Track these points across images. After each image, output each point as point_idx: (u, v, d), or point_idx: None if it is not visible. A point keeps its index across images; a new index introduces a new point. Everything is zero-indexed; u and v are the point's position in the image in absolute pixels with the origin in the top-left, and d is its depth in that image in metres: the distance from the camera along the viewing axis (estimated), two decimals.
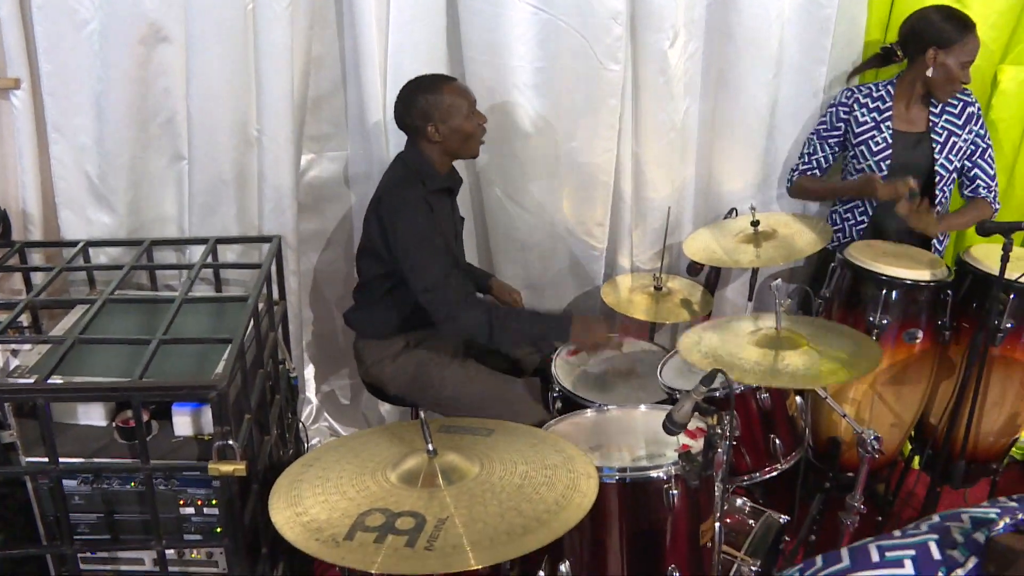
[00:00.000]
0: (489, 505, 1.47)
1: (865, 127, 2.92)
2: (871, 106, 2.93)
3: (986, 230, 2.54)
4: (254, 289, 2.38)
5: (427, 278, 2.46)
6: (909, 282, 2.61)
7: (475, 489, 1.53)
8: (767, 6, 2.87)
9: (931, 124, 2.90)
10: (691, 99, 3.03)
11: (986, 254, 2.75)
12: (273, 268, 2.67)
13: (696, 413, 1.83)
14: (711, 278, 3.06)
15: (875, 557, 1.01)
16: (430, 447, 1.64)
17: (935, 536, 1.00)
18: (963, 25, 2.77)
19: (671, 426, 1.83)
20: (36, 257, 2.75)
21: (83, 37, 2.56)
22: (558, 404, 2.61)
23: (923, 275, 2.62)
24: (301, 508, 1.53)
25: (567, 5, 2.75)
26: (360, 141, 2.96)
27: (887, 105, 2.91)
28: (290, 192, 2.86)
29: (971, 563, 0.95)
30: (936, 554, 0.98)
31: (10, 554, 2.18)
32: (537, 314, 2.66)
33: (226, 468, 1.96)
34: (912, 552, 0.99)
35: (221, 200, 2.84)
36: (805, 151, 3.08)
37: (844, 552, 1.00)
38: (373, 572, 1.34)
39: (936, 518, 1.02)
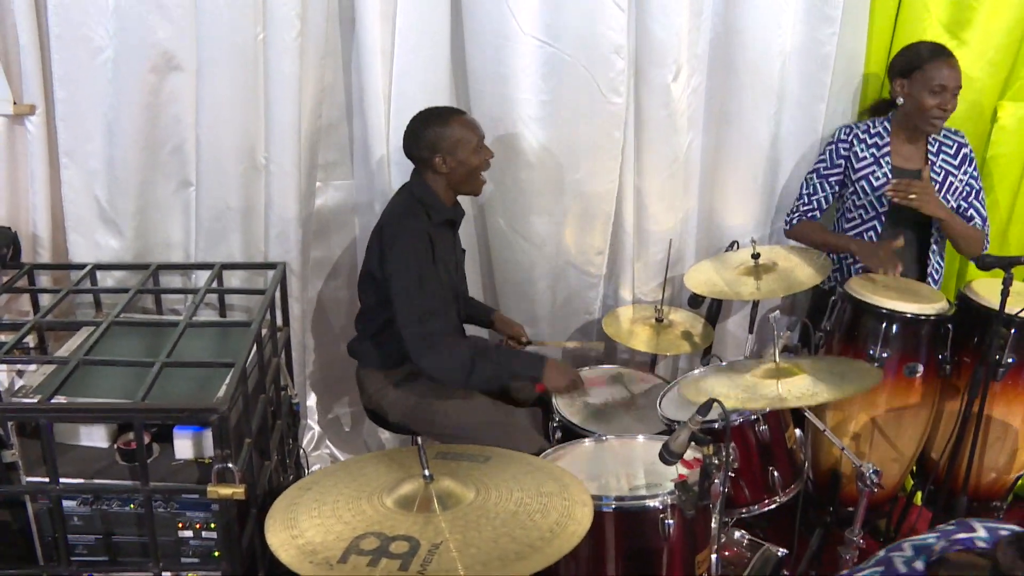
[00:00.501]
0: (483, 531, 1.47)
1: (865, 163, 2.94)
2: (869, 142, 2.96)
3: (986, 264, 2.55)
4: (258, 314, 2.41)
5: (411, 311, 2.47)
6: (909, 316, 2.61)
7: (470, 515, 1.54)
8: (769, 42, 2.92)
9: (930, 163, 2.92)
10: (694, 133, 3.07)
11: (987, 289, 2.75)
12: (277, 295, 2.70)
13: (692, 443, 1.84)
14: (712, 310, 3.07)
15: None
16: (426, 472, 1.65)
17: (880, 569, 1.01)
18: (928, 52, 2.82)
19: (667, 456, 1.84)
20: (44, 279, 2.78)
21: (97, 65, 2.61)
22: (558, 434, 2.61)
23: (924, 309, 2.63)
24: (297, 531, 1.54)
25: (571, 38, 2.80)
26: (364, 170, 3.01)
27: (885, 141, 2.94)
28: (296, 220, 2.89)
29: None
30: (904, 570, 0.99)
31: (7, 574, 2.18)
32: (512, 356, 2.65)
33: (225, 491, 1.97)
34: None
35: (227, 226, 2.88)
36: (804, 192, 3.07)
37: None
38: None
39: (882, 553, 1.03)
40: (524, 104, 2.88)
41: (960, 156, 2.94)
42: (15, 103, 2.62)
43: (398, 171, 2.91)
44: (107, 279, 2.82)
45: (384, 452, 2.04)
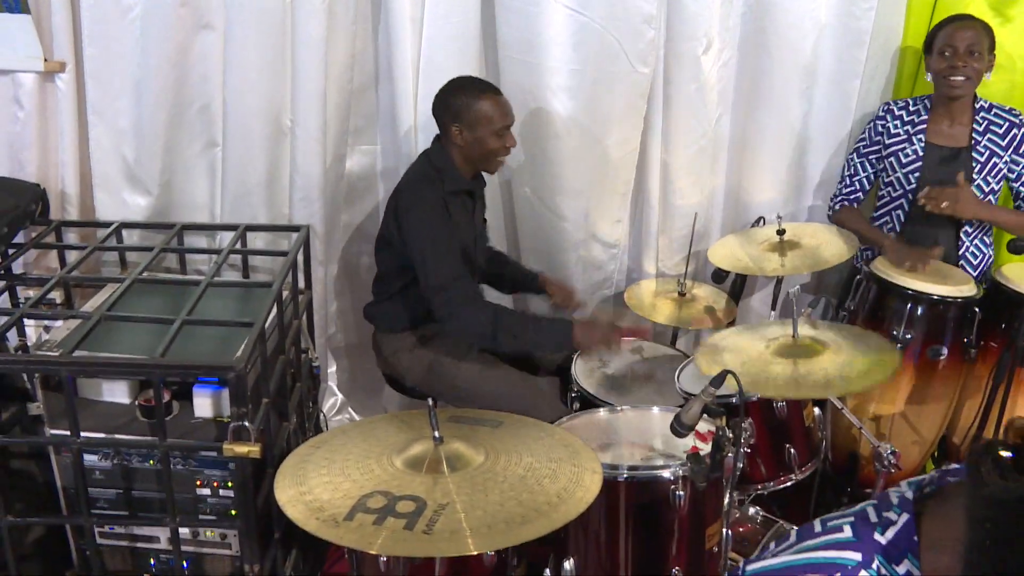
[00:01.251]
0: (490, 493, 1.48)
1: (897, 139, 2.89)
2: (905, 119, 2.90)
3: (1018, 248, 2.51)
4: (279, 276, 2.42)
5: (434, 276, 2.47)
6: (936, 297, 2.58)
7: (477, 477, 1.54)
8: (802, 16, 2.87)
9: (973, 142, 2.84)
10: (723, 108, 3.04)
11: (1019, 274, 2.70)
12: (300, 257, 2.70)
13: (705, 416, 1.83)
14: (736, 286, 3.05)
15: (817, 528, 1.04)
16: (436, 434, 1.65)
17: (873, 502, 1.02)
18: (945, 21, 2.79)
19: (679, 428, 1.83)
20: (71, 236, 2.81)
21: (127, 23, 2.61)
22: (576, 404, 2.61)
23: (950, 291, 2.59)
24: (305, 487, 1.55)
25: (602, 7, 2.76)
26: (390, 136, 3.00)
27: (922, 118, 2.88)
28: (320, 184, 2.90)
29: (903, 519, 0.97)
30: (873, 517, 1.00)
31: (30, 521, 2.23)
32: (540, 320, 2.60)
33: (240, 449, 1.98)
34: (851, 519, 1.02)
35: (252, 188, 2.88)
36: (846, 173, 3.03)
37: (792, 531, 1.02)
38: (373, 552, 1.36)
39: (880, 493, 1.03)
40: (554, 73, 2.84)
41: (1009, 136, 2.83)
42: (45, 60, 2.64)
43: (424, 138, 2.89)
44: (132, 237, 2.84)
45: (396, 414, 2.05)
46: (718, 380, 1.79)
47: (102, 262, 2.84)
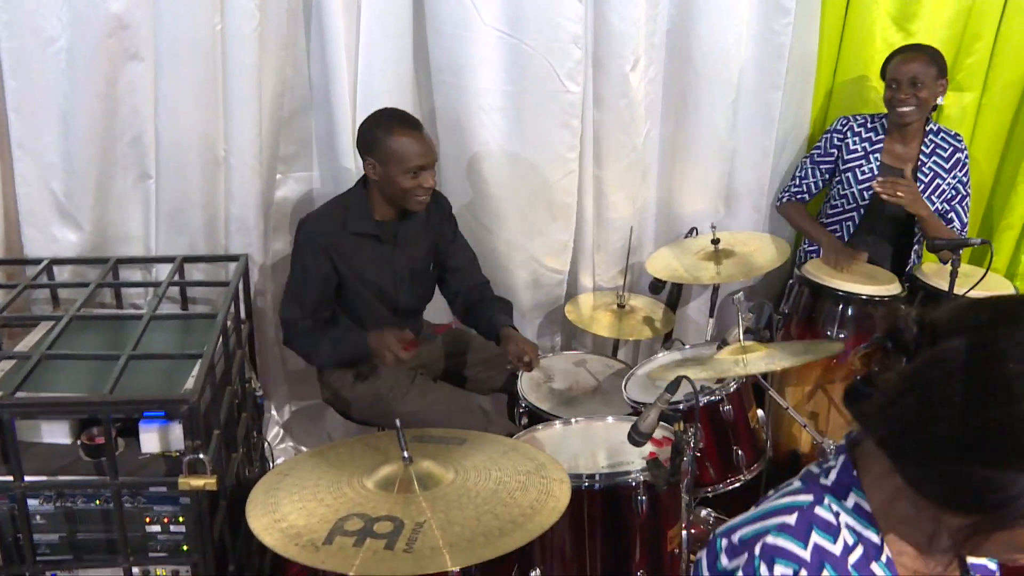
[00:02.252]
0: (465, 509, 1.49)
1: (855, 155, 3.03)
2: (864, 136, 3.04)
3: (936, 247, 2.65)
4: (223, 305, 2.39)
5: (283, 310, 2.65)
6: (864, 297, 2.70)
7: (451, 495, 1.56)
8: (724, 32, 2.98)
9: (919, 163, 3.00)
10: (652, 122, 3.12)
11: (936, 271, 2.85)
12: (240, 286, 2.68)
13: (661, 422, 1.88)
14: (673, 296, 3.13)
15: (771, 493, 1.14)
16: (405, 454, 1.66)
17: (815, 463, 1.14)
18: (894, 53, 2.95)
19: (636, 437, 1.87)
20: None
21: (50, 54, 2.54)
22: (524, 420, 2.64)
23: (877, 291, 2.71)
24: (279, 515, 1.54)
25: (531, 29, 2.81)
26: (328, 162, 2.99)
27: (879, 137, 3.03)
28: (257, 212, 2.87)
29: (840, 461, 1.08)
30: (815, 469, 1.11)
31: None
32: (348, 334, 2.65)
33: (197, 483, 1.95)
34: (799, 476, 1.13)
35: (188, 219, 2.83)
36: (797, 174, 3.18)
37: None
38: (352, 574, 1.36)
39: None
40: (486, 94, 2.89)
41: (953, 160, 3.01)
42: None
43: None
44: (64, 274, 2.76)
45: (359, 437, 2.05)
46: (673, 386, 1.84)
47: (32, 301, 2.75)
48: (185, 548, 2.15)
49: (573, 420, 2.39)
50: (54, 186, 2.69)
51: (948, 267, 2.58)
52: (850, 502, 1.05)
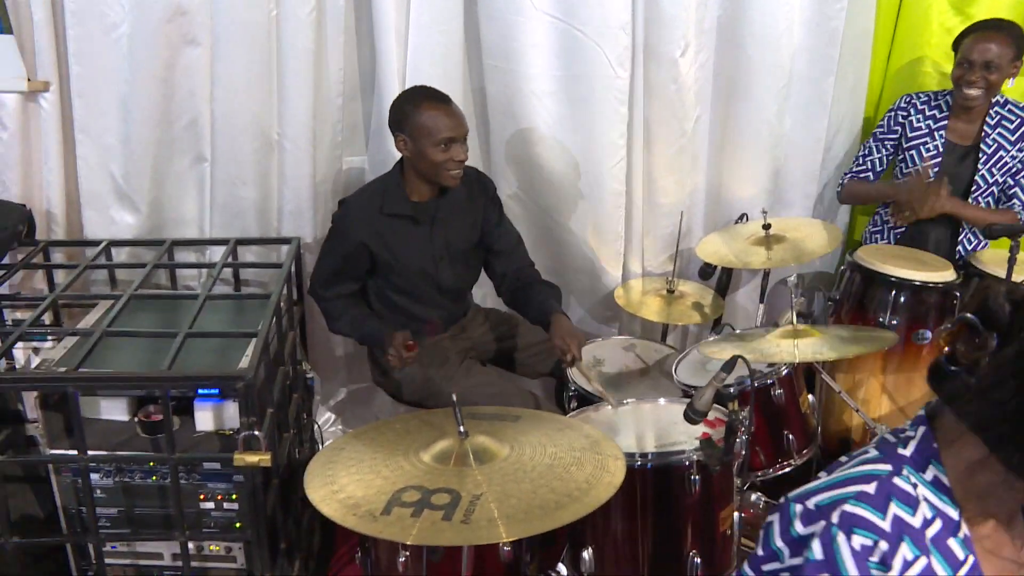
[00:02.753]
0: (521, 483, 1.50)
1: (919, 132, 2.98)
2: (927, 113, 2.99)
3: (994, 233, 2.60)
4: (276, 286, 2.42)
5: (310, 286, 2.70)
6: (917, 283, 2.66)
7: (506, 469, 1.57)
8: (776, 17, 2.94)
9: (983, 135, 2.94)
10: (702, 107, 3.11)
11: (992, 257, 2.80)
12: (293, 269, 2.71)
13: (714, 403, 1.88)
14: (722, 281, 3.11)
15: (843, 460, 1.13)
16: (461, 429, 1.67)
17: (886, 432, 1.13)
18: (971, 27, 2.87)
19: (692, 415, 1.87)
20: (59, 256, 2.79)
21: (112, 40, 2.61)
22: (573, 403, 2.64)
23: (931, 277, 2.67)
24: (337, 486, 1.56)
25: (582, 14, 2.81)
26: (378, 147, 3.01)
27: (943, 114, 2.97)
28: (309, 195, 2.91)
29: (919, 431, 1.07)
30: (891, 439, 1.10)
31: (35, 542, 2.20)
32: (371, 319, 2.67)
33: (251, 459, 1.98)
34: (873, 445, 1.12)
35: (241, 202, 2.89)
36: (860, 153, 3.14)
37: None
38: (408, 543, 1.38)
39: None
40: (536, 79, 2.89)
41: (1019, 133, 2.93)
42: (28, 79, 2.62)
43: None
44: (121, 255, 2.83)
45: (413, 414, 2.06)
46: (729, 365, 1.84)
47: (91, 281, 2.82)
48: (238, 525, 2.19)
49: (625, 401, 2.39)
50: (113, 169, 2.76)
51: (1006, 253, 2.53)
52: (929, 475, 1.04)
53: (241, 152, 2.81)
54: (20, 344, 2.29)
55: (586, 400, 2.58)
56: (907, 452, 1.07)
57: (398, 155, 2.87)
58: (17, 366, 2.31)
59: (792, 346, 2.13)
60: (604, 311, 3.30)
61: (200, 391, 2.17)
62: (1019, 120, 2.93)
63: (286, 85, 2.76)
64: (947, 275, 2.70)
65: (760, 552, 1.11)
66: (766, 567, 1.09)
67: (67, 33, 2.59)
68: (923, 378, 2.65)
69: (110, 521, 2.20)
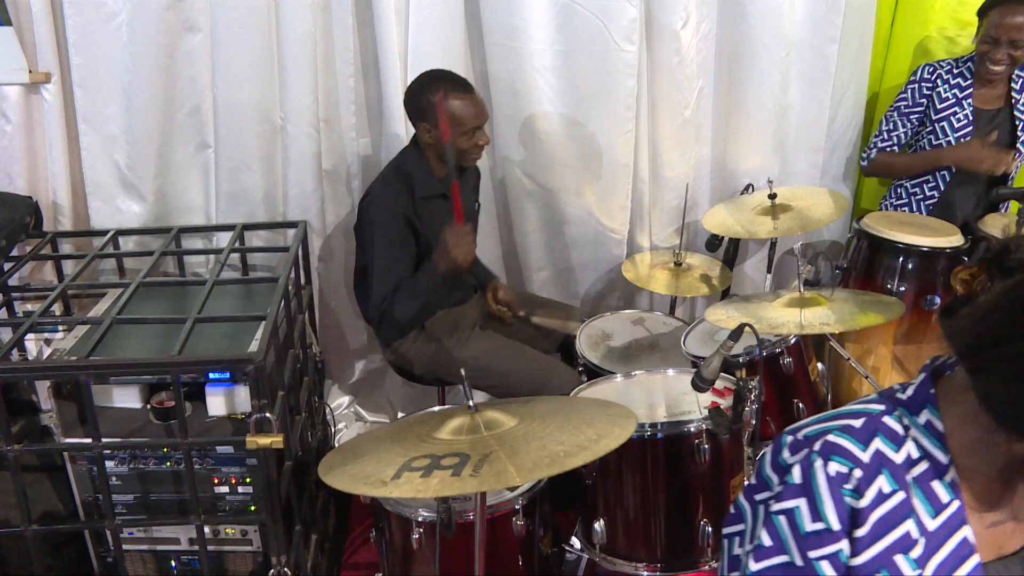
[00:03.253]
0: (531, 442, 1.50)
1: (947, 103, 2.95)
2: (952, 82, 2.96)
3: (1001, 196, 2.58)
4: (284, 269, 2.43)
5: (377, 292, 2.51)
6: (925, 249, 2.65)
7: (517, 432, 1.57)
8: None
9: (1013, 100, 2.92)
10: (705, 79, 3.09)
11: (997, 223, 2.79)
12: (300, 252, 2.72)
13: (722, 373, 1.88)
14: (729, 253, 3.10)
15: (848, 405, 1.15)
16: (471, 403, 1.68)
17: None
18: (990, 4, 2.82)
19: (700, 383, 1.88)
20: (66, 247, 2.80)
21: (112, 29, 2.61)
22: (583, 377, 2.65)
23: (939, 242, 2.66)
24: (349, 466, 1.57)
25: None
26: (379, 128, 3.02)
27: (968, 82, 2.95)
28: (314, 178, 2.92)
29: (920, 378, 1.10)
30: (896, 386, 1.13)
31: (54, 529, 2.23)
32: (426, 278, 2.54)
33: (264, 441, 1.99)
34: (877, 392, 1.15)
35: (246, 187, 2.89)
36: (883, 128, 3.09)
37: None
38: (421, 496, 1.39)
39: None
40: (539, 55, 2.88)
41: None
42: (30, 71, 2.63)
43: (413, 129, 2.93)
44: (128, 244, 2.84)
45: (425, 411, 2.08)
46: (736, 333, 1.84)
47: (99, 271, 2.83)
48: (253, 508, 2.22)
49: (633, 373, 2.39)
50: (118, 158, 2.77)
51: (1013, 218, 2.52)
52: (922, 418, 1.06)
53: (245, 138, 2.82)
54: (31, 335, 2.31)
55: (595, 374, 2.59)
56: (904, 396, 1.09)
57: (399, 136, 2.90)
58: (29, 357, 2.33)
59: (799, 315, 2.13)
60: (611, 285, 3.30)
61: (211, 376, 2.19)
62: None
63: (287, 69, 2.76)
64: (954, 240, 2.69)
65: (753, 481, 1.15)
66: (758, 496, 1.13)
67: (66, 24, 2.59)
68: (932, 344, 2.67)
69: (126, 507, 2.23)
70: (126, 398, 2.27)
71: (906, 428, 1.07)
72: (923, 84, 3.00)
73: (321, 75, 2.83)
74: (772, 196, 2.87)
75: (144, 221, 2.86)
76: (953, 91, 2.95)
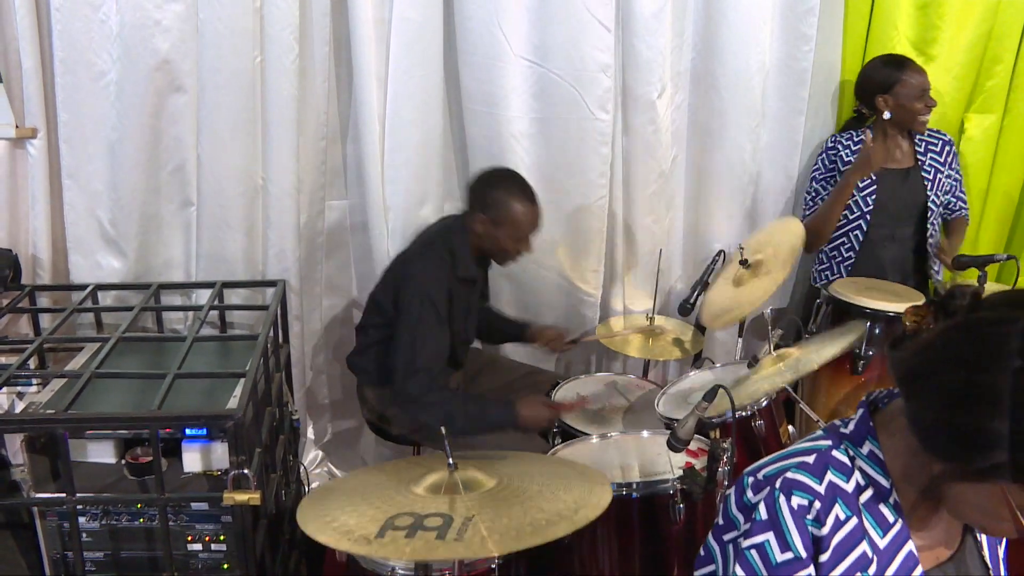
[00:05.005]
0: (512, 506, 1.53)
1: (850, 165, 3.05)
2: (854, 148, 3.10)
3: (962, 264, 2.68)
4: (263, 328, 2.45)
5: (406, 363, 2.51)
6: (892, 314, 2.72)
7: (497, 495, 1.59)
8: (748, 59, 3.05)
9: (919, 161, 3.09)
10: (678, 148, 3.19)
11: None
12: (278, 311, 2.74)
13: (696, 434, 1.92)
14: (732, 323, 3.15)
15: (798, 442, 1.26)
16: (451, 461, 1.70)
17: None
18: (897, 65, 3.00)
19: (675, 443, 1.91)
20: (45, 301, 2.80)
21: (100, 87, 2.66)
22: (558, 439, 2.67)
23: (904, 307, 2.72)
24: (330, 517, 1.58)
25: (559, 58, 2.90)
26: (359, 190, 3.07)
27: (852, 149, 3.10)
28: (294, 239, 2.95)
29: (859, 413, 1.22)
30: (838, 423, 1.25)
31: None
32: (485, 406, 2.62)
33: (241, 497, 1.99)
34: (822, 428, 1.27)
35: (227, 245, 2.92)
36: (808, 198, 3.21)
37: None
38: (403, 559, 1.41)
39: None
40: (515, 122, 2.97)
41: (944, 153, 3.12)
42: (17, 127, 2.66)
43: (392, 191, 2.99)
44: (107, 299, 2.83)
45: (403, 460, 2.09)
46: (711, 394, 1.88)
47: (77, 325, 2.83)
48: (226, 566, 2.19)
49: (608, 434, 2.42)
50: (100, 214, 2.79)
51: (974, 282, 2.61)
52: (865, 449, 1.17)
53: (227, 197, 2.85)
54: (4, 389, 2.29)
55: (570, 436, 2.61)
56: (847, 430, 1.20)
57: (377, 199, 2.94)
58: (1, 410, 2.31)
59: (779, 372, 2.19)
60: (585, 349, 3.34)
61: (188, 432, 2.18)
62: (940, 142, 3.12)
63: (270, 131, 2.82)
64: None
65: (720, 522, 1.24)
66: (726, 536, 1.21)
67: (56, 81, 2.63)
68: None
69: (96, 565, 2.19)
70: (101, 453, 2.25)
71: (852, 459, 1.17)
72: (828, 153, 3.14)
73: (303, 138, 2.89)
74: (743, 262, 2.92)
75: (124, 277, 2.87)
76: (855, 155, 3.06)
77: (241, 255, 2.95)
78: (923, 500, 1.16)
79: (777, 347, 2.37)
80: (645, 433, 2.39)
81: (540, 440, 2.68)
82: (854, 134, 3.14)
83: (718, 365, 2.74)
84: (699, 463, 2.08)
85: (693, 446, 2.09)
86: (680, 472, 2.00)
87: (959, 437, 1.03)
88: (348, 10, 2.80)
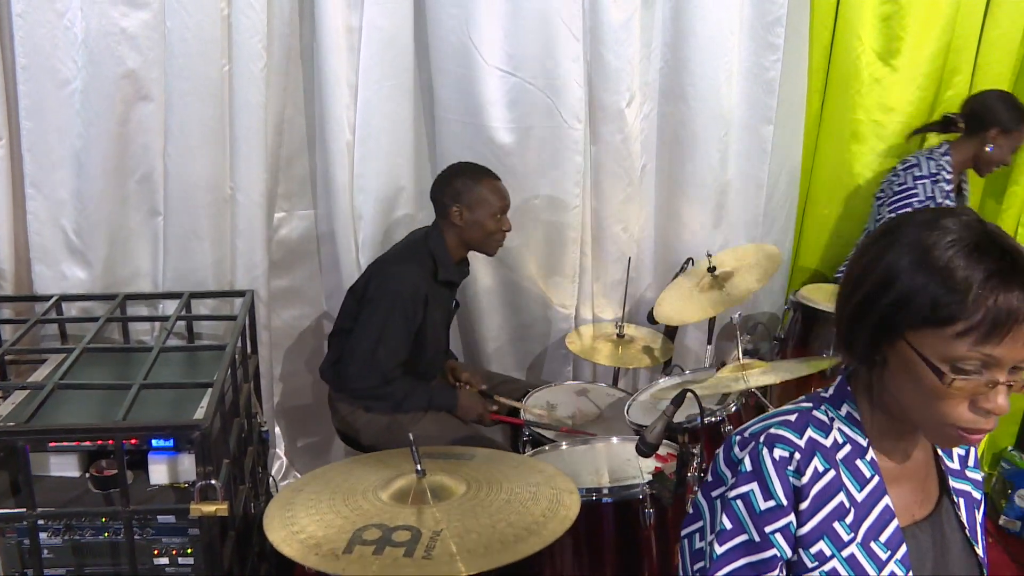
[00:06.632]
0: (480, 518, 1.52)
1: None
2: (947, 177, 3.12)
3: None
4: (231, 338, 2.43)
5: (372, 354, 2.59)
6: None
7: (465, 505, 1.59)
8: (716, 68, 3.07)
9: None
10: (647, 156, 3.21)
11: None
12: (247, 321, 2.71)
13: (665, 440, 1.92)
14: (671, 325, 3.17)
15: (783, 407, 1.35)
16: (419, 467, 1.69)
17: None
18: (1021, 115, 3.03)
19: (644, 448, 1.91)
20: (7, 312, 2.76)
21: (65, 95, 2.61)
22: (528, 448, 2.67)
23: None
24: (297, 527, 1.56)
25: (532, 67, 2.92)
26: (327, 200, 3.05)
27: (949, 176, 3.12)
28: (262, 249, 2.93)
29: (837, 380, 1.30)
30: (821, 390, 1.33)
31: None
32: (430, 393, 2.76)
33: (208, 508, 1.96)
34: (804, 396, 1.34)
35: (195, 255, 2.88)
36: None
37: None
38: None
39: None
40: (491, 132, 2.98)
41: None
42: None
43: (362, 200, 2.98)
44: (72, 310, 2.79)
45: (371, 455, 2.07)
46: (678, 399, 1.88)
47: (40, 337, 2.78)
48: None
49: (577, 442, 2.42)
50: (65, 224, 2.74)
51: None
52: (843, 411, 1.27)
53: (195, 206, 2.82)
54: None
55: (541, 445, 2.61)
56: (827, 395, 1.30)
57: (346, 208, 2.93)
58: None
59: (741, 377, 2.20)
60: (557, 356, 3.35)
61: (154, 443, 2.15)
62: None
63: (238, 140, 2.79)
64: None
65: (709, 479, 1.30)
66: (714, 492, 1.28)
67: (19, 89, 2.59)
68: None
69: None
70: (64, 467, 2.21)
71: (831, 419, 1.27)
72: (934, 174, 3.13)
73: (272, 147, 2.87)
74: (711, 269, 2.95)
75: (90, 288, 2.81)
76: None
77: (210, 265, 2.91)
78: (901, 455, 1.28)
79: (746, 353, 2.38)
80: (615, 439, 2.40)
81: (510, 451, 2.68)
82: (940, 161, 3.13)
83: (688, 372, 2.75)
84: (668, 467, 2.08)
85: (663, 451, 2.10)
86: (649, 477, 2.00)
87: (862, 301, 1.17)
88: (316, 18, 2.79)
